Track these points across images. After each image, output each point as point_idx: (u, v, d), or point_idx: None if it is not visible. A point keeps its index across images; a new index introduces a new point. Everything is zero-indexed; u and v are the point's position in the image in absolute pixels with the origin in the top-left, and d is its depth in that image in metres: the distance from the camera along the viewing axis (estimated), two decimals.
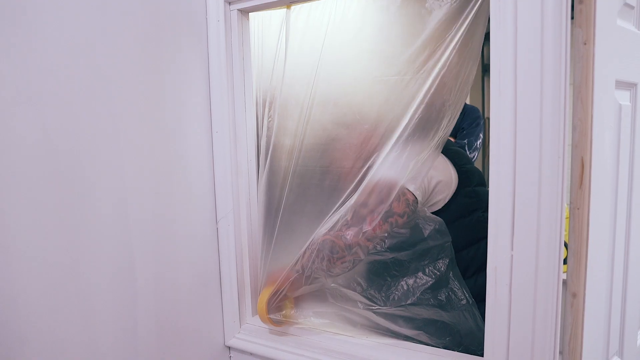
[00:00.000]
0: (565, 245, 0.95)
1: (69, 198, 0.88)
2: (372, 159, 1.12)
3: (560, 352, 0.89)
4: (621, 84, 0.99)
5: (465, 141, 2.23)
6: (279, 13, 1.21)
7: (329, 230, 1.15)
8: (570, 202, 0.89)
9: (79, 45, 0.88)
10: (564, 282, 0.88)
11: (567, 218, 0.88)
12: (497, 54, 0.85)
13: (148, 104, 1.03)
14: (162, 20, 1.05)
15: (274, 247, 1.23)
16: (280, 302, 1.23)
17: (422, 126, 1.07)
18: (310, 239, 1.18)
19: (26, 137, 0.81)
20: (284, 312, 1.25)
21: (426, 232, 1.13)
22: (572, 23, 0.82)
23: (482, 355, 0.96)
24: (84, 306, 0.91)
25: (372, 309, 1.18)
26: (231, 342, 1.29)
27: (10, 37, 0.78)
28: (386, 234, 1.13)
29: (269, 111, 1.23)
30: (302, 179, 1.21)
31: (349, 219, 1.13)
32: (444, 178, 1.18)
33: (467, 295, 1.14)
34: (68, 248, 0.88)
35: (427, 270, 1.16)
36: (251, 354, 1.26)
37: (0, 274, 0.78)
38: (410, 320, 1.16)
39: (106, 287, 0.96)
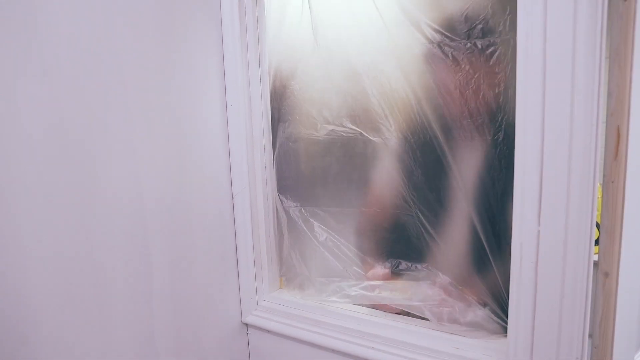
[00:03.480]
0: (597, 226, 0.88)
1: (82, 176, 0.87)
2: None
3: (590, 335, 0.84)
4: None
5: None
6: None
7: None
8: (604, 175, 0.83)
9: (91, 19, 0.87)
10: (595, 263, 0.83)
11: (599, 198, 0.82)
12: (524, 11, 0.78)
13: (161, 77, 1.01)
14: None
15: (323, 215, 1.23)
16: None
17: None
18: None
19: (37, 118, 0.80)
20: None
21: None
22: None
23: (505, 331, 0.92)
24: (99, 284, 0.92)
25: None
26: (248, 319, 1.28)
27: (18, 13, 0.76)
28: None
29: (291, 81, 1.20)
30: (345, 148, 1.18)
31: None
32: None
33: None
34: (83, 229, 0.88)
35: None
36: (268, 331, 1.25)
37: (10, 270, 0.78)
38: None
39: (121, 266, 0.96)
